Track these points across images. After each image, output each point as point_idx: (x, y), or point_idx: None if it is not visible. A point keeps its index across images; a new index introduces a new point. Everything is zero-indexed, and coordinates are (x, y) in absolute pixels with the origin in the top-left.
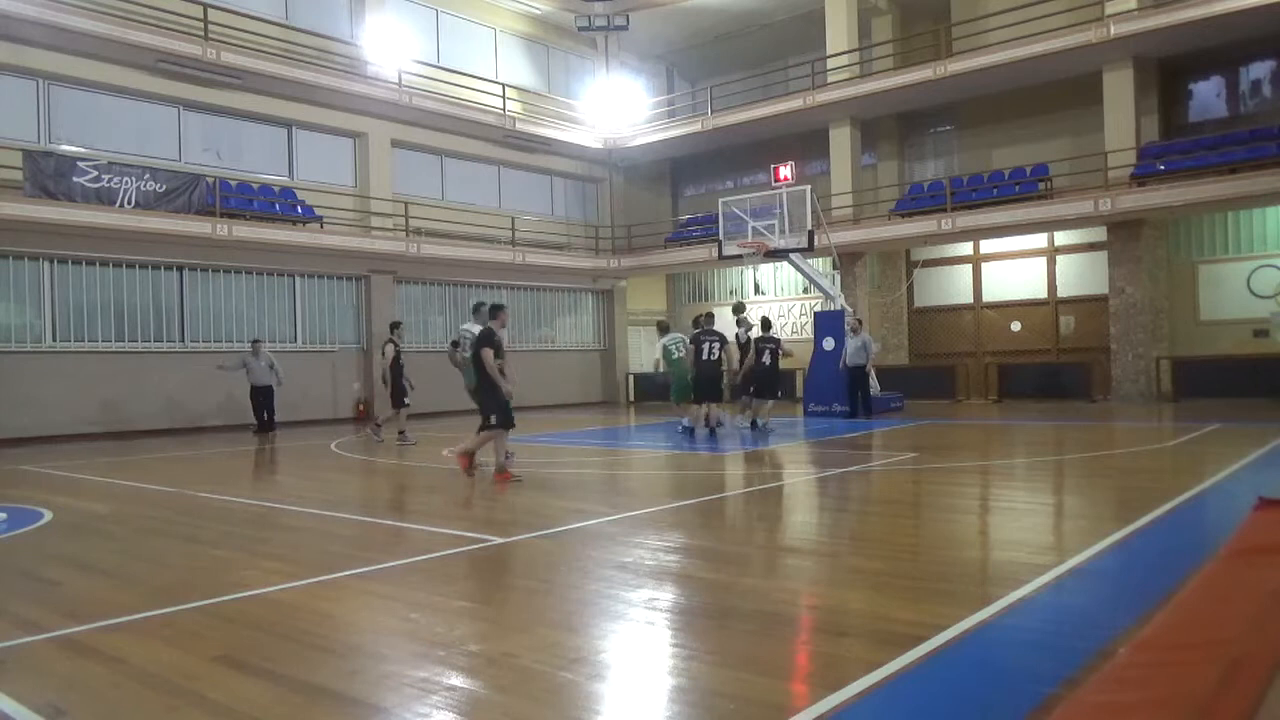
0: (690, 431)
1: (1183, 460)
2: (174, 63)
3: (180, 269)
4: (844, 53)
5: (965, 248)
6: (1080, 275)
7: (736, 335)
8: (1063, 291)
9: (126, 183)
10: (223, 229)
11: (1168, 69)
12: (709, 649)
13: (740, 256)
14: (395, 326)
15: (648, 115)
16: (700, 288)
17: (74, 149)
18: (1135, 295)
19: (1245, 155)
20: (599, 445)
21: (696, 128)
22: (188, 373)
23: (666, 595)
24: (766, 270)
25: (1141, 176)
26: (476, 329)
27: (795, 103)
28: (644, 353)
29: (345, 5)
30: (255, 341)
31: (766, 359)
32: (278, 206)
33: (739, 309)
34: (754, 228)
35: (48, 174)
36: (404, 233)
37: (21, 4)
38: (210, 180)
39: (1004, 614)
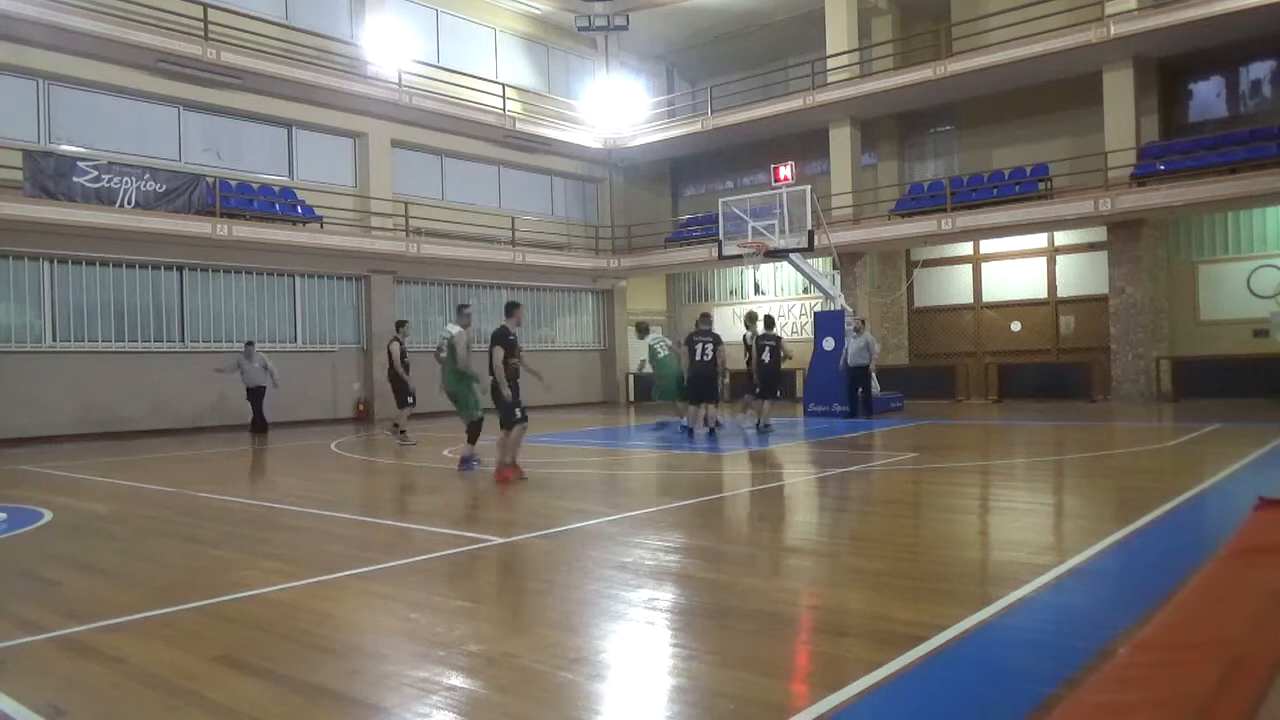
0: (689, 432)
1: (1183, 460)
2: (174, 63)
3: (180, 269)
4: (844, 53)
5: (965, 248)
6: (1080, 275)
7: (744, 339)
8: (1063, 291)
9: (126, 183)
10: (223, 229)
11: (1168, 69)
12: (709, 649)
13: (740, 256)
14: (400, 325)
15: (648, 115)
16: (700, 288)
17: (74, 149)
18: (1135, 295)
19: (1245, 155)
20: (599, 445)
21: (696, 128)
22: (188, 373)
23: (666, 595)
24: (766, 270)
25: (1141, 176)
26: (454, 330)
27: (795, 103)
28: (644, 352)
29: (345, 5)
30: (248, 344)
31: (766, 356)
32: (278, 206)
33: (751, 319)
34: (754, 228)
35: (48, 174)
36: (404, 233)
37: (21, 4)
38: (210, 180)
39: (1004, 614)
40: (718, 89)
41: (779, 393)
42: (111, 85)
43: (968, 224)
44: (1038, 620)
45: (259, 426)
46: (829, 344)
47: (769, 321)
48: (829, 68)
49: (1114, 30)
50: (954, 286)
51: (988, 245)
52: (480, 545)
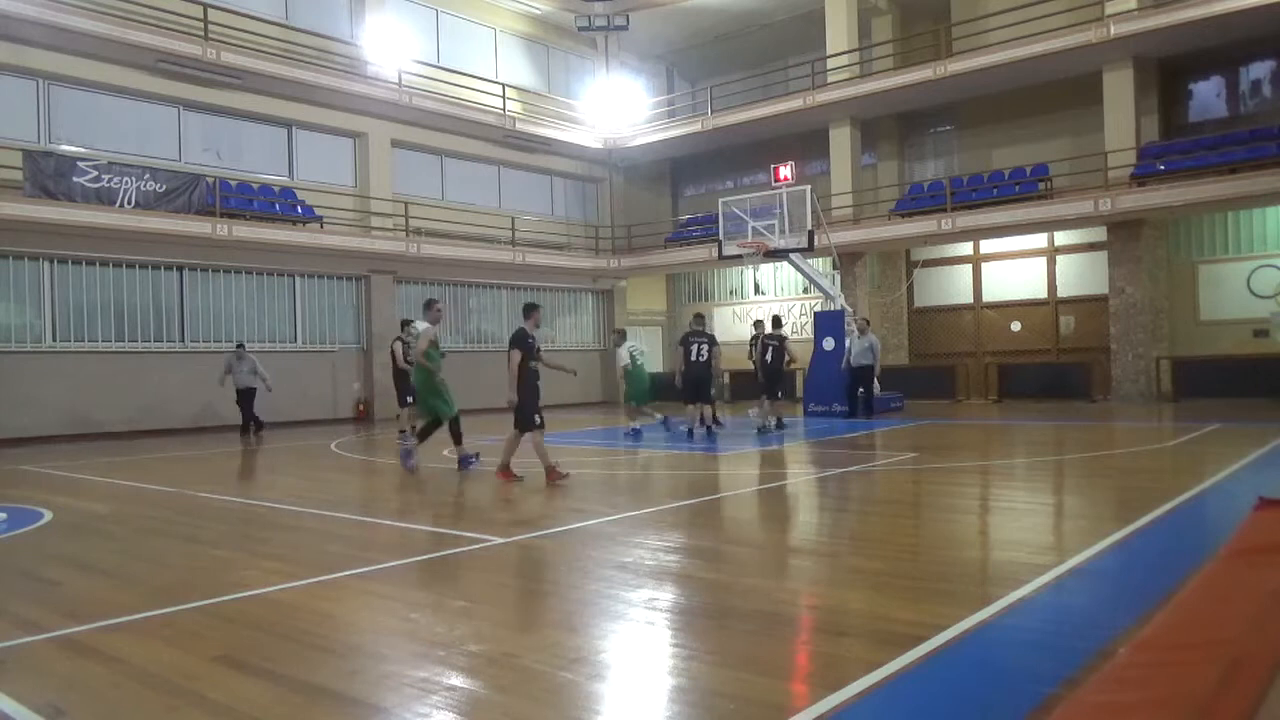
0: (690, 432)
1: (1183, 460)
2: (174, 63)
3: (180, 269)
4: (844, 53)
5: (965, 248)
6: (1080, 275)
7: (751, 339)
8: (1063, 291)
9: (126, 183)
10: (223, 229)
11: (1168, 69)
12: (709, 649)
13: (740, 256)
14: (406, 325)
15: (648, 115)
16: (700, 288)
17: (74, 149)
18: (1135, 295)
19: (1245, 155)
20: (599, 445)
21: (696, 128)
22: (188, 373)
23: (666, 595)
24: (766, 270)
25: (1141, 176)
26: (421, 326)
27: (795, 103)
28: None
29: (345, 5)
30: (239, 345)
31: (769, 356)
32: (278, 206)
33: (759, 325)
34: (754, 228)
35: (48, 174)
36: (404, 233)
37: (21, 4)
38: (210, 180)
39: (1004, 614)
40: (718, 89)
41: (779, 393)
42: (111, 85)
43: (968, 224)
44: (1038, 620)
45: (254, 425)
46: (829, 344)
47: (776, 321)
48: (829, 68)
49: (1114, 30)
50: (954, 286)
51: (988, 245)
52: (480, 545)
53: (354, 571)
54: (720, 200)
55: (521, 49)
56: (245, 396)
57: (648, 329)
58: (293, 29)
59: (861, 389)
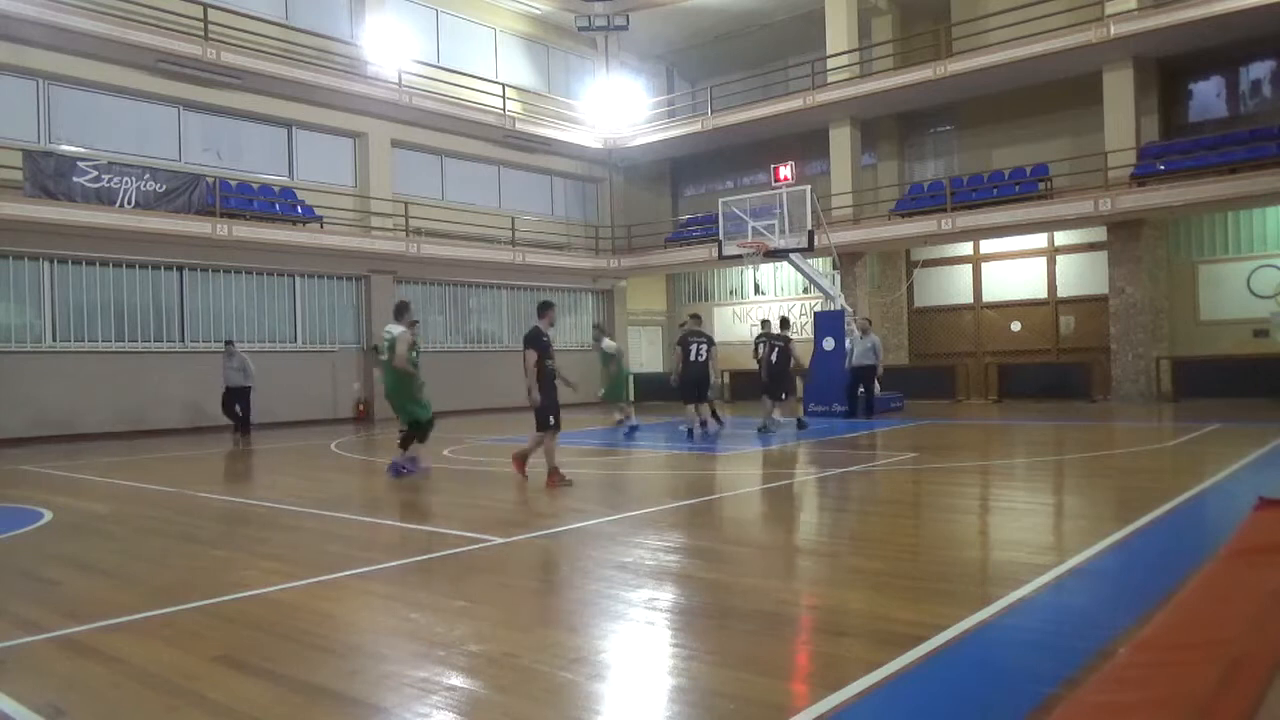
0: (690, 432)
1: (1183, 460)
2: (174, 63)
3: (180, 269)
4: (844, 53)
5: (965, 248)
6: (1080, 275)
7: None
8: (1063, 291)
9: (126, 183)
10: (223, 229)
11: (1168, 69)
12: (709, 649)
13: (740, 256)
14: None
15: (648, 115)
16: (700, 288)
17: (74, 149)
18: (1135, 295)
19: (1245, 155)
20: (599, 445)
21: (696, 128)
22: (188, 373)
23: (666, 595)
24: (766, 270)
25: (1141, 176)
26: (396, 330)
27: (795, 103)
28: (644, 353)
29: (345, 5)
30: (228, 342)
31: (774, 356)
32: (278, 206)
33: (765, 324)
34: (754, 228)
35: (48, 174)
36: (404, 233)
37: (21, 4)
38: (210, 180)
39: (1004, 614)
40: (718, 89)
41: (784, 394)
42: (111, 85)
43: (968, 224)
44: (1038, 620)
45: (243, 426)
46: (829, 344)
47: (784, 323)
48: (829, 68)
49: (1114, 30)
50: (954, 286)
51: (988, 245)
52: (480, 545)
53: (354, 571)
54: (720, 200)
55: (521, 49)
56: (234, 395)
57: (648, 329)
58: (293, 29)
59: (862, 389)
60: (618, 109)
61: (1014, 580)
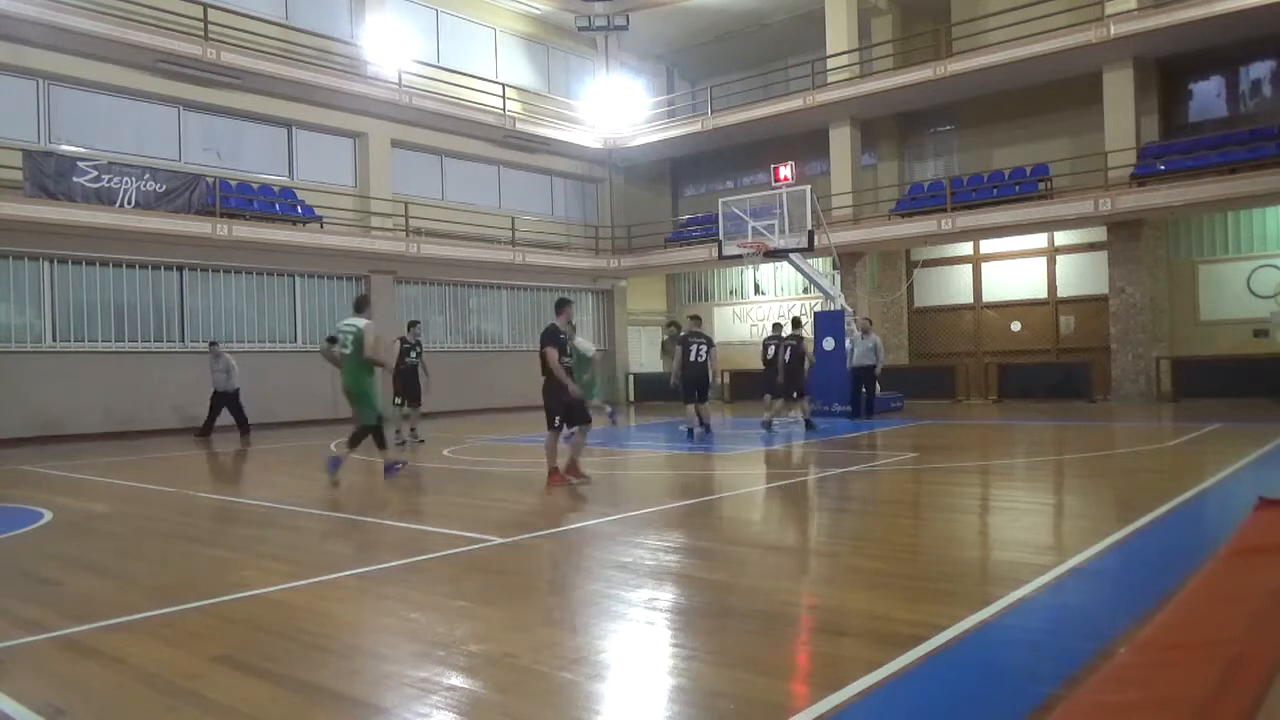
0: (690, 432)
1: (1183, 460)
2: (174, 63)
3: (180, 269)
4: (844, 53)
5: (965, 248)
6: (1080, 275)
7: (779, 345)
8: (1063, 291)
9: (126, 183)
10: (223, 229)
11: (1168, 69)
12: (709, 649)
13: (740, 256)
14: (412, 325)
15: (648, 115)
16: (700, 288)
17: (74, 149)
18: (1135, 295)
19: (1245, 155)
20: (599, 445)
21: (696, 128)
22: (187, 373)
23: (666, 595)
24: (766, 270)
25: (1141, 176)
26: (360, 323)
27: (795, 103)
28: (644, 353)
29: (345, 5)
30: (212, 344)
31: (788, 355)
32: (278, 206)
33: (778, 328)
34: (754, 228)
35: (48, 174)
36: (404, 233)
37: (21, 4)
38: (210, 180)
39: (1004, 614)
40: (718, 89)
41: (796, 393)
42: (111, 85)
43: (968, 224)
44: (1038, 620)
45: (242, 428)
46: (829, 344)
47: (795, 322)
48: (829, 68)
49: (1114, 30)
50: (954, 286)
51: (988, 245)
52: (480, 545)
53: (354, 571)
54: (720, 200)
55: (521, 49)
56: (220, 398)
57: (648, 329)
58: (293, 29)
59: (864, 389)
60: (618, 109)
61: (1014, 580)
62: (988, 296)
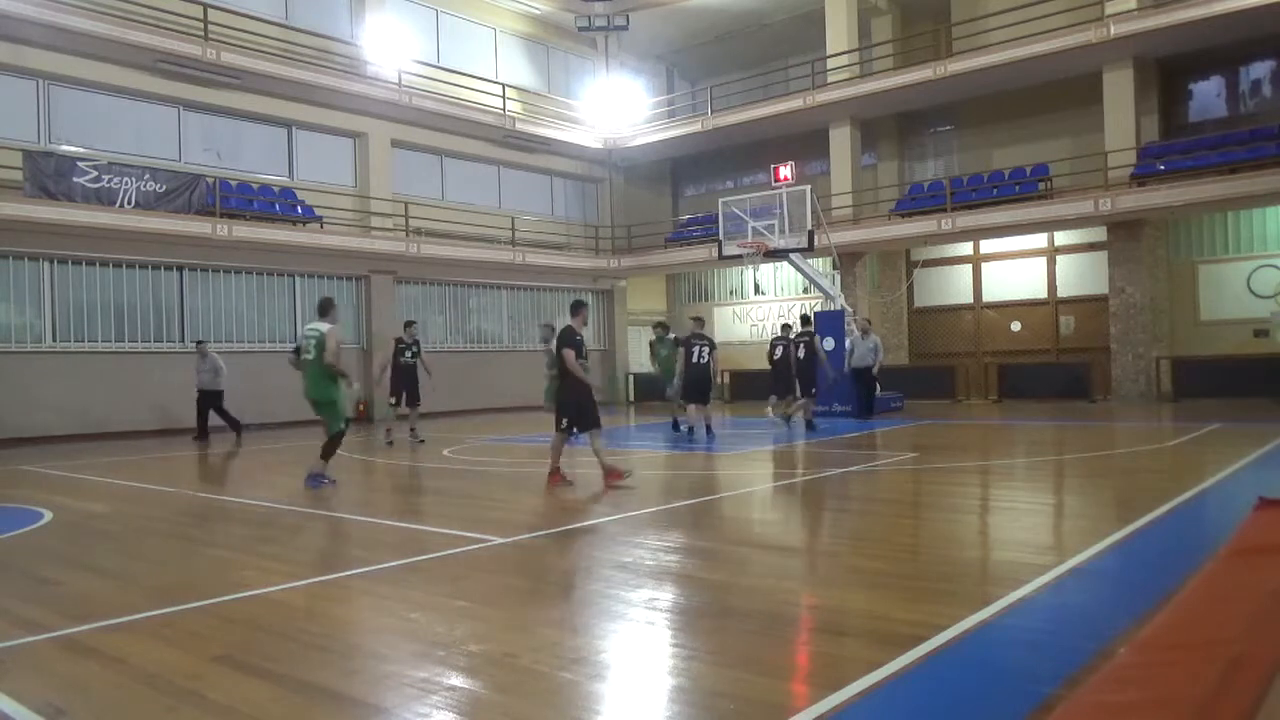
0: (690, 432)
1: (1183, 460)
2: (174, 63)
3: (180, 269)
4: (844, 53)
5: (965, 248)
6: (1080, 275)
7: (786, 344)
8: (1063, 291)
9: (126, 183)
10: (223, 229)
11: (1168, 69)
12: (709, 649)
13: (740, 256)
14: (408, 325)
15: (648, 115)
16: (700, 288)
17: (74, 149)
18: (1135, 295)
19: (1245, 155)
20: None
21: (696, 128)
22: (188, 373)
23: (666, 595)
24: (766, 270)
25: (1141, 176)
26: (323, 328)
27: (795, 103)
28: (644, 353)
29: (345, 5)
30: (199, 343)
31: (801, 354)
32: (278, 206)
33: (786, 329)
34: (754, 228)
35: (48, 174)
36: (404, 233)
37: (21, 4)
38: (210, 180)
39: (1004, 614)
40: (718, 89)
41: (813, 390)
42: (111, 85)
43: (968, 224)
44: (1038, 620)
45: (234, 428)
46: (829, 344)
47: (805, 320)
48: (829, 68)
49: (1114, 30)
50: (954, 286)
51: (988, 245)
52: (480, 545)
53: (354, 571)
54: (720, 200)
55: (521, 49)
56: (206, 399)
57: (648, 329)
58: (293, 29)
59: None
60: (618, 109)
61: (1014, 580)
62: (988, 296)
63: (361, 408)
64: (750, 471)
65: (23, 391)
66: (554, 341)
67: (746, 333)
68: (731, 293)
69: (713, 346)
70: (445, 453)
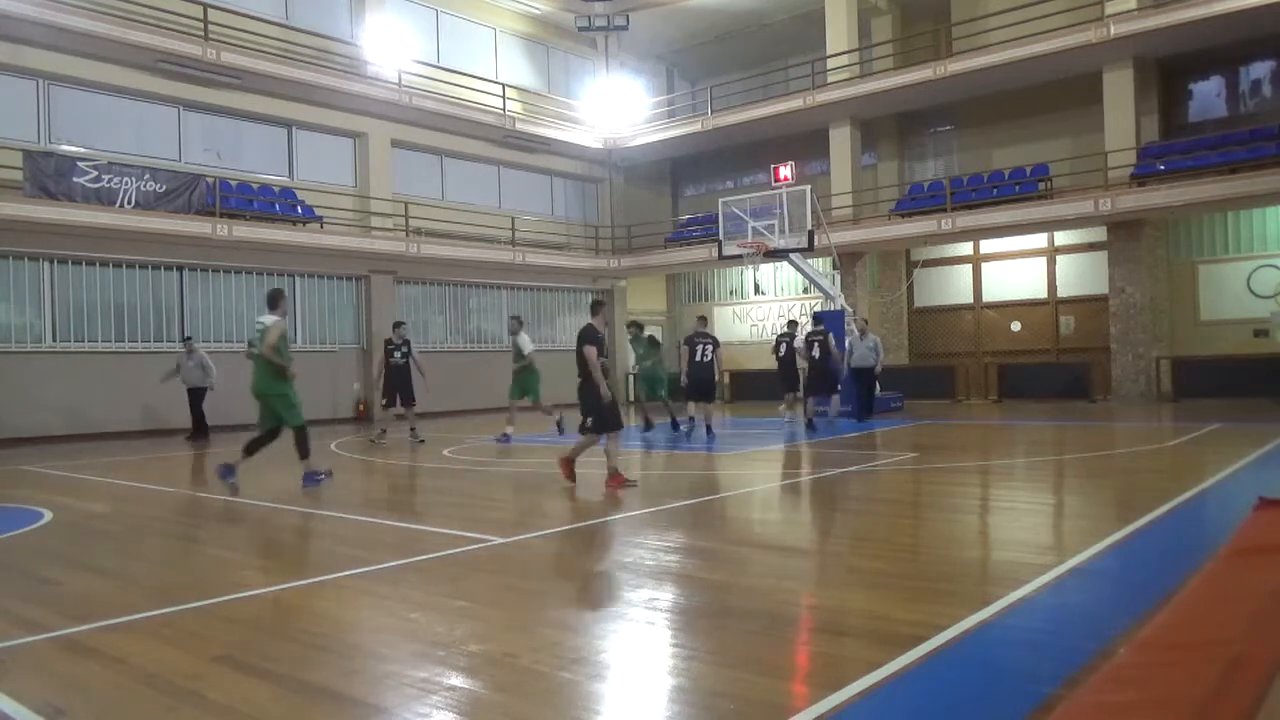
0: (690, 431)
1: (1183, 460)
2: (174, 63)
3: (180, 269)
4: (844, 53)
5: (965, 248)
6: (1080, 275)
7: (791, 341)
8: (1063, 291)
9: (126, 183)
10: (223, 229)
11: (1168, 69)
12: (709, 649)
13: (740, 256)
14: (397, 325)
15: (648, 115)
16: (700, 288)
17: (74, 149)
18: (1135, 295)
19: (1245, 155)
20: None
21: (696, 128)
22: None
23: (666, 595)
24: (766, 270)
25: (1141, 176)
26: (267, 321)
27: (795, 103)
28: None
29: (345, 5)
30: (187, 339)
31: (817, 352)
32: (278, 206)
33: (793, 325)
34: (754, 228)
35: (48, 174)
36: (404, 233)
37: (21, 4)
38: (210, 180)
39: (1004, 614)
40: (718, 89)
41: (837, 388)
42: (111, 85)
43: (968, 224)
44: (1038, 620)
45: (199, 431)
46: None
47: (816, 319)
48: (829, 68)
49: (1114, 30)
50: (954, 286)
51: (988, 245)
52: (480, 545)
53: (354, 571)
54: (720, 200)
55: (521, 49)
56: (194, 396)
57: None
58: (293, 29)
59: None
60: (618, 109)
61: (1014, 580)
62: (988, 296)
63: (361, 408)
64: (750, 471)
65: (23, 391)
66: (520, 336)
67: (747, 333)
68: (731, 293)
69: (716, 344)
70: (445, 453)
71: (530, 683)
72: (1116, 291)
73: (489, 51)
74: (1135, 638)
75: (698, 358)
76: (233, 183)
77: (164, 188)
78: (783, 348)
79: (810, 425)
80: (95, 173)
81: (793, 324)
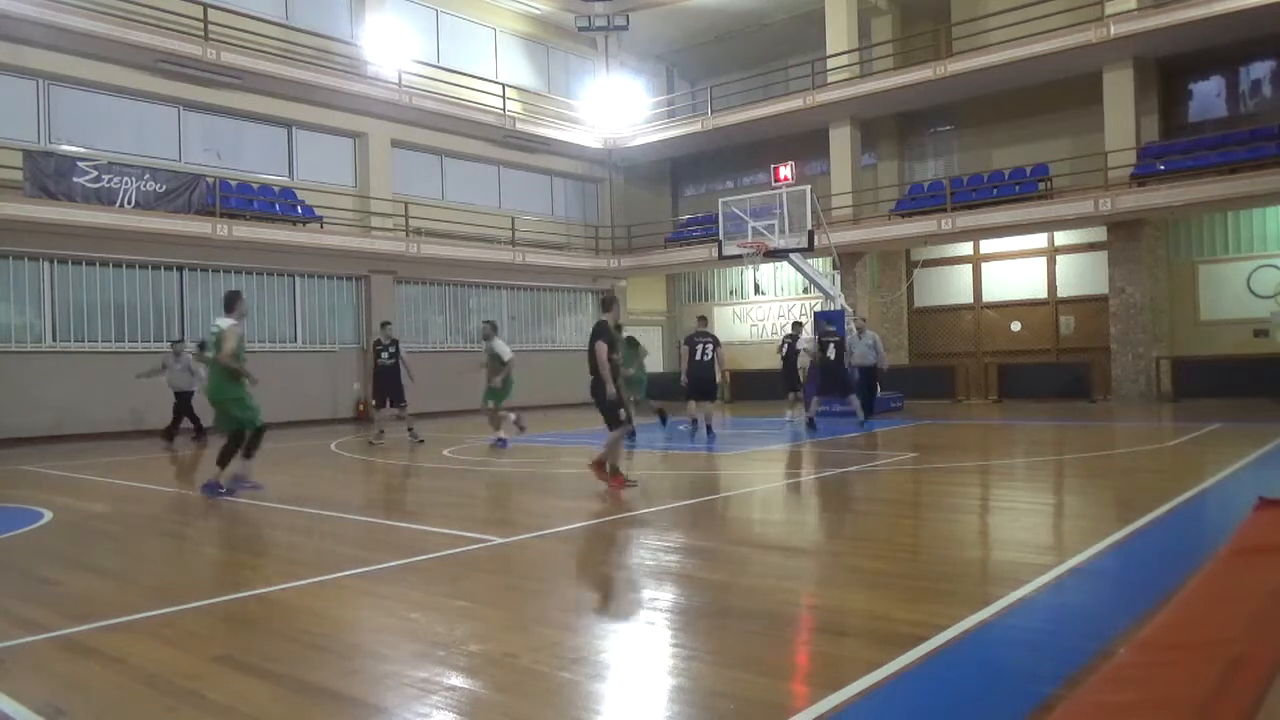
0: (692, 431)
1: (1183, 460)
2: (174, 63)
3: (180, 269)
4: (844, 53)
5: (965, 248)
6: (1080, 275)
7: (794, 342)
8: (1063, 291)
9: (126, 183)
10: (223, 229)
11: (1168, 69)
12: (709, 649)
13: (740, 256)
14: (384, 325)
15: (648, 115)
16: (700, 288)
17: (74, 149)
18: (1135, 295)
19: (1245, 155)
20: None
21: (696, 128)
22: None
23: (666, 595)
24: (766, 270)
25: (1141, 176)
26: (224, 325)
27: (795, 103)
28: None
29: (345, 5)
30: (175, 342)
31: (832, 353)
32: (278, 206)
33: (797, 326)
34: (754, 228)
35: (48, 174)
36: (404, 233)
37: (21, 4)
38: (210, 180)
39: (1004, 614)
40: (718, 89)
41: (850, 389)
42: (111, 85)
43: (968, 224)
44: (1038, 620)
45: (170, 432)
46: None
47: (828, 321)
48: (829, 68)
49: (1114, 30)
50: (954, 286)
51: (988, 245)
52: (480, 545)
53: (354, 571)
54: (720, 200)
55: (521, 49)
56: (180, 399)
57: (648, 329)
58: (293, 29)
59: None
60: (618, 109)
61: (1014, 580)
62: (988, 296)
63: (361, 408)
64: (750, 471)
65: (23, 391)
66: (495, 341)
67: (747, 333)
68: (731, 293)
69: (717, 344)
70: (445, 453)
71: (530, 683)
72: (1116, 291)
73: (489, 51)
74: (1135, 638)
75: (698, 357)
76: (233, 183)
77: (164, 188)
78: (785, 348)
79: (811, 425)
80: (95, 173)
81: (797, 325)
